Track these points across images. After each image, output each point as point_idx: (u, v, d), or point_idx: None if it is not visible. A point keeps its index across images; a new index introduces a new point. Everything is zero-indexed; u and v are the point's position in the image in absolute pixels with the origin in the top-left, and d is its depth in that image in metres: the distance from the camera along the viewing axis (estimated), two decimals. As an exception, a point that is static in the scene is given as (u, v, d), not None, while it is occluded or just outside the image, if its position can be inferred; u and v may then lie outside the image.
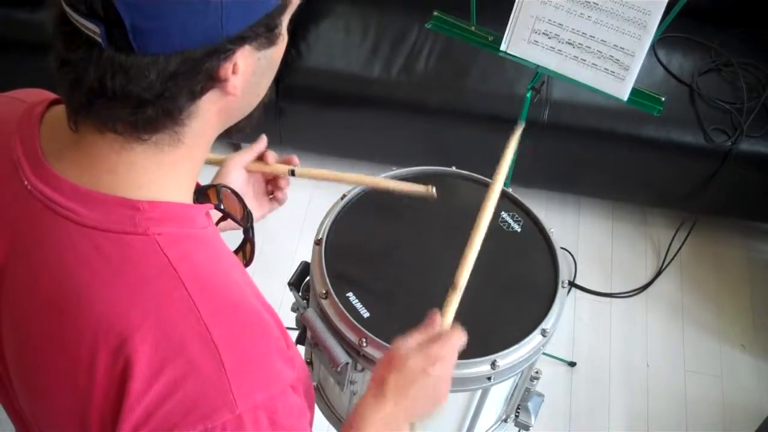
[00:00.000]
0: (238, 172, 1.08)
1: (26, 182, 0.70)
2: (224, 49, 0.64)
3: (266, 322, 0.71)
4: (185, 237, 0.70)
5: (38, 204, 0.69)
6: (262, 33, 0.67)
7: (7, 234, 0.71)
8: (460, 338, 0.92)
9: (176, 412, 0.64)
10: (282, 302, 1.88)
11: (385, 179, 1.19)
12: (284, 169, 1.10)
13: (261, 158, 1.10)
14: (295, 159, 1.11)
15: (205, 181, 0.92)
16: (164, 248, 0.67)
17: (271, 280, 1.64)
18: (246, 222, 0.97)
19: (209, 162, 1.08)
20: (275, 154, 1.11)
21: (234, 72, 0.66)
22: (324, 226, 1.25)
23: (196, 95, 0.66)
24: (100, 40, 0.61)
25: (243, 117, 0.76)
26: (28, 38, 2.24)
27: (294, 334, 1.29)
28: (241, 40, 0.65)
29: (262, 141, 1.10)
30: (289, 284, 1.29)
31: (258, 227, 0.99)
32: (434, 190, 1.13)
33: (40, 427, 0.75)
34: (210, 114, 0.70)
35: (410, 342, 0.90)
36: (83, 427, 0.67)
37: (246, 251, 0.98)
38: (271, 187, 1.14)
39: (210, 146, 0.75)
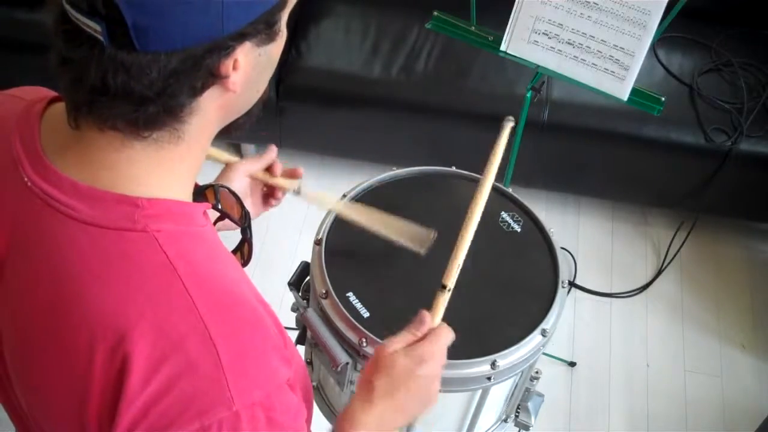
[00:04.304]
0: (242, 179, 1.09)
1: (26, 179, 0.70)
2: (225, 46, 0.65)
3: (263, 321, 0.71)
4: (184, 234, 0.70)
5: (38, 201, 0.69)
6: (262, 29, 0.67)
7: (7, 230, 0.71)
8: (448, 336, 0.91)
9: (173, 408, 0.64)
10: (282, 302, 1.88)
11: (388, 220, 1.16)
12: (290, 186, 1.12)
13: (268, 169, 1.12)
14: (300, 171, 1.13)
15: (207, 179, 0.91)
16: (163, 245, 0.67)
17: (271, 280, 1.64)
18: (244, 222, 0.96)
19: (215, 159, 1.08)
20: (282, 165, 1.12)
21: (234, 68, 0.67)
22: (324, 226, 1.25)
23: (197, 92, 0.67)
24: (101, 38, 0.61)
25: (242, 114, 0.77)
26: (28, 38, 2.23)
27: (294, 334, 1.28)
28: (241, 36, 0.65)
29: (272, 152, 1.11)
30: (289, 284, 1.29)
31: (258, 227, 1.00)
32: (434, 235, 1.13)
33: (39, 425, 0.75)
34: (210, 111, 0.70)
35: (397, 342, 0.88)
36: (81, 423, 0.67)
37: (244, 251, 0.98)
38: (266, 189, 1.15)
39: (209, 143, 0.75)
